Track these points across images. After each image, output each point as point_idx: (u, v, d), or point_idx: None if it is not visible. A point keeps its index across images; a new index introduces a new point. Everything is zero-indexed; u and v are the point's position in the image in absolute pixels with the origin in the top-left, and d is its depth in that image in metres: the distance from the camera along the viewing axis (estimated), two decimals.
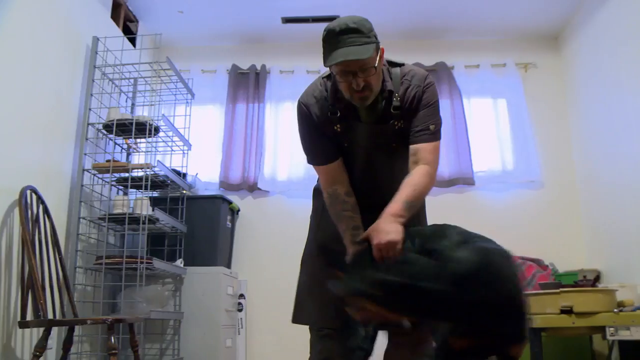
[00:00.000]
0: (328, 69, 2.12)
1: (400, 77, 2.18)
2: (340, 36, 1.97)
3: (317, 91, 2.24)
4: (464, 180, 4.87)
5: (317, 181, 2.42)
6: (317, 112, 2.21)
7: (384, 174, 2.24)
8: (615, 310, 3.20)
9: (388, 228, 1.87)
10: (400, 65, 2.24)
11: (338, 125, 2.19)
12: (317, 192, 2.43)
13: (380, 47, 2.07)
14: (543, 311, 3.32)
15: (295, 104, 2.30)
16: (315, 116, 2.21)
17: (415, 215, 2.13)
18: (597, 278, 3.90)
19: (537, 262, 4.42)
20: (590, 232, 4.73)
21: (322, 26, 2.11)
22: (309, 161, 2.29)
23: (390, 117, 2.16)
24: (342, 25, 1.98)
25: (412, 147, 2.17)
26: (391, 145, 2.19)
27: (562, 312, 3.21)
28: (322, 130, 2.21)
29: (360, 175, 2.25)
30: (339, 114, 2.17)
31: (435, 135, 2.17)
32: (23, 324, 2.76)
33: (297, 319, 2.32)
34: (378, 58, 2.04)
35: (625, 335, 3.14)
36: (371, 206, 2.18)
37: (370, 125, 2.18)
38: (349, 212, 2.16)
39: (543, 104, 5.13)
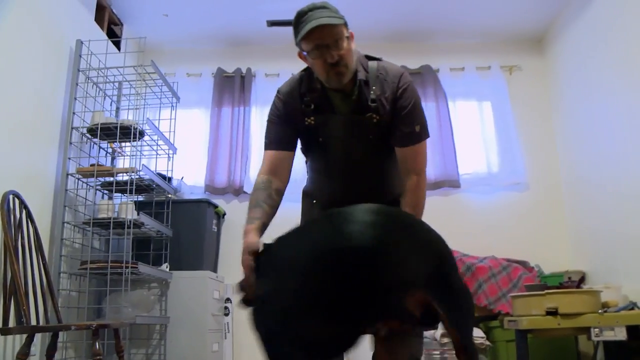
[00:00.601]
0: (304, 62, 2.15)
1: (377, 71, 2.18)
2: (308, 12, 2.02)
3: (294, 82, 2.25)
4: (449, 183, 4.89)
5: (306, 181, 2.42)
6: (291, 102, 2.21)
7: (363, 169, 2.21)
8: (600, 311, 3.22)
9: None
10: (378, 59, 2.23)
11: (312, 118, 2.18)
12: (305, 195, 2.43)
13: (350, 31, 2.09)
14: (529, 313, 3.33)
15: None
16: (289, 106, 2.21)
17: None
18: (582, 279, 3.92)
19: (523, 264, 4.45)
20: (575, 234, 4.76)
21: None
22: (265, 147, 2.26)
23: (367, 109, 2.14)
24: (310, 5, 2.05)
25: (400, 150, 2.16)
26: (368, 137, 2.17)
27: (548, 313, 3.23)
28: (295, 122, 2.20)
29: (338, 171, 2.23)
30: (312, 107, 2.17)
31: (421, 135, 2.17)
32: (5, 331, 2.72)
33: None
34: (349, 37, 2.07)
35: (609, 335, 3.16)
36: (346, 203, 2.18)
37: (346, 116, 2.17)
38: (267, 207, 2.10)
39: (528, 106, 5.16)
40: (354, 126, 2.16)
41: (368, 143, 2.18)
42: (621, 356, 3.66)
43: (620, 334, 3.13)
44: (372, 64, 2.20)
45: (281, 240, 1.75)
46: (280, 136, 2.21)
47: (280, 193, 2.18)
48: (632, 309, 3.33)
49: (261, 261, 1.83)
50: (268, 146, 2.23)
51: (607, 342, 3.74)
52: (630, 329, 3.14)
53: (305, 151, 2.35)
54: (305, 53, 2.09)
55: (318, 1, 2.06)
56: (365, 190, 2.18)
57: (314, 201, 2.36)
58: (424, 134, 2.18)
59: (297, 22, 2.05)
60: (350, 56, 2.08)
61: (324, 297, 1.51)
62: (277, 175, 2.18)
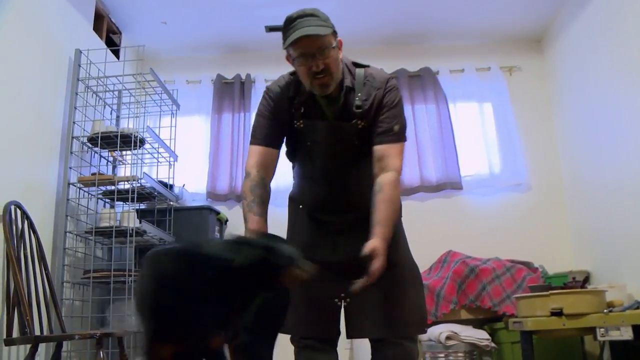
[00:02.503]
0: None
1: (363, 78, 2.19)
2: (297, 19, 2.02)
3: (282, 82, 2.26)
4: (451, 185, 4.88)
5: (292, 187, 2.41)
6: (280, 102, 2.21)
7: (347, 175, 2.21)
8: (605, 310, 3.21)
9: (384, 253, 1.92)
10: (365, 66, 2.24)
11: (301, 122, 2.19)
12: (291, 200, 2.42)
13: (339, 38, 2.10)
14: (533, 314, 3.32)
15: None
16: (278, 106, 2.22)
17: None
18: (586, 279, 3.91)
19: (527, 264, 4.44)
20: (578, 234, 4.75)
21: None
22: (251, 141, 2.26)
23: (353, 116, 2.15)
24: (300, 11, 2.04)
25: (376, 148, 2.15)
26: (353, 144, 2.18)
27: (553, 314, 3.22)
28: (283, 122, 2.22)
29: (322, 176, 2.23)
30: (302, 110, 2.18)
31: (399, 136, 2.17)
32: (9, 342, 2.72)
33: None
34: (336, 45, 2.08)
35: (615, 335, 3.14)
36: (333, 209, 2.20)
37: (331, 122, 2.18)
38: (267, 203, 2.21)
39: (528, 107, 5.16)
40: (339, 132, 2.17)
41: (353, 149, 2.19)
42: (628, 356, 3.65)
43: (627, 334, 3.12)
44: (359, 70, 2.22)
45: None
46: (270, 132, 2.23)
47: (269, 187, 2.25)
48: (638, 308, 3.32)
49: None
50: (257, 141, 2.23)
51: (613, 342, 3.73)
52: (637, 328, 3.13)
53: (291, 155, 2.36)
54: (291, 58, 2.10)
55: (308, 8, 2.06)
56: (349, 195, 2.21)
57: (300, 206, 2.35)
58: (402, 136, 2.18)
59: (286, 27, 2.06)
60: (335, 65, 2.09)
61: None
62: (267, 171, 2.22)
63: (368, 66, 2.25)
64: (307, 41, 2.00)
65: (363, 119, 2.15)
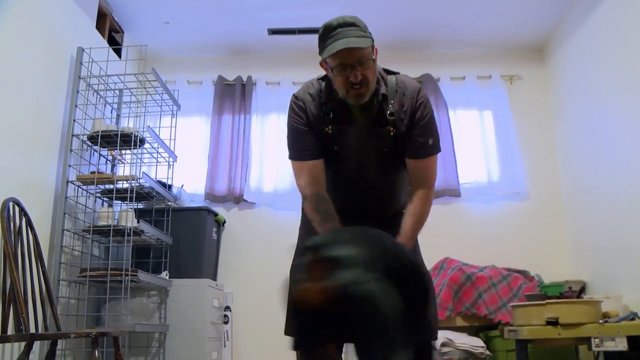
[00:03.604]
0: (323, 70, 2.16)
1: (396, 86, 2.20)
2: (338, 28, 2.00)
3: (312, 89, 2.25)
4: (449, 192, 4.88)
5: None
6: (311, 109, 2.21)
7: (374, 181, 2.24)
8: (601, 321, 3.22)
9: None
10: (396, 73, 2.27)
11: (330, 127, 2.19)
12: None
13: (375, 47, 2.10)
14: (529, 323, 3.32)
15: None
16: (310, 113, 2.20)
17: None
18: (583, 289, 3.92)
19: (523, 273, 4.44)
20: (576, 243, 4.75)
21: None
22: (293, 156, 2.25)
23: (385, 123, 2.17)
24: (340, 19, 2.02)
25: (412, 162, 2.21)
26: (383, 151, 2.20)
27: (548, 323, 3.22)
28: (313, 128, 2.21)
29: (348, 181, 2.25)
30: (331, 115, 2.18)
31: (433, 149, 2.22)
32: (4, 339, 2.70)
33: (288, 331, 2.30)
34: (375, 56, 2.08)
35: (610, 345, 3.15)
36: (356, 214, 2.19)
37: (363, 128, 2.18)
38: (334, 213, 2.14)
39: (528, 116, 5.17)
40: (370, 138, 2.18)
41: (381, 156, 2.21)
42: None
43: (621, 344, 3.12)
44: (390, 78, 2.23)
45: None
46: (315, 146, 2.21)
47: (329, 199, 2.20)
48: (633, 319, 3.33)
49: None
50: (302, 155, 2.22)
51: (608, 353, 3.72)
52: (631, 339, 3.14)
53: None
54: (328, 67, 2.09)
55: (348, 16, 2.04)
56: (373, 202, 2.24)
57: None
58: (436, 148, 2.24)
59: (325, 36, 2.03)
60: (373, 77, 2.10)
61: None
62: (320, 184, 2.20)
63: (398, 73, 2.27)
64: (347, 53, 1.98)
65: (395, 126, 2.17)
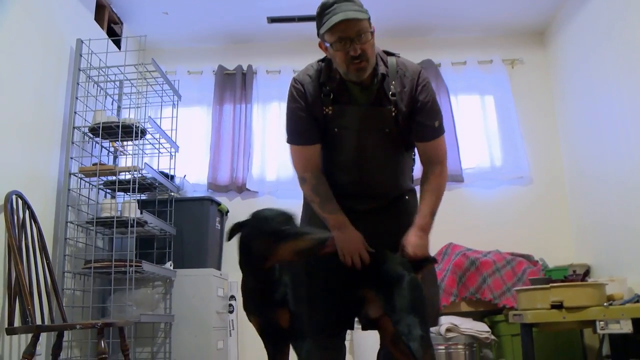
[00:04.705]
0: (323, 52, 2.19)
1: (396, 67, 2.21)
2: (334, 4, 2.03)
3: (311, 71, 2.25)
4: (452, 178, 4.87)
5: None
6: (310, 90, 2.21)
7: (375, 162, 2.23)
8: (605, 304, 3.21)
9: (422, 242, 2.10)
10: (396, 55, 2.27)
11: (330, 108, 2.19)
12: None
13: (373, 26, 2.11)
14: (534, 307, 3.32)
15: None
16: (309, 95, 2.21)
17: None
18: (587, 272, 3.90)
19: (528, 257, 4.44)
20: (579, 227, 4.75)
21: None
22: (291, 140, 2.27)
23: (387, 102, 2.17)
24: None
25: (421, 145, 2.24)
26: (384, 131, 2.19)
27: (553, 307, 3.22)
28: (312, 111, 2.21)
29: (349, 163, 2.24)
30: (331, 96, 2.18)
31: (440, 130, 2.24)
32: (10, 331, 2.72)
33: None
34: (372, 32, 2.09)
35: (615, 328, 3.15)
36: (358, 196, 2.22)
37: (364, 107, 2.18)
38: (332, 195, 2.20)
39: (530, 100, 5.15)
40: (371, 117, 2.18)
41: (382, 136, 2.20)
42: (627, 349, 3.66)
43: (626, 327, 3.12)
44: (391, 59, 2.24)
45: None
46: (312, 131, 2.23)
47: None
48: (638, 301, 3.32)
49: None
50: (299, 139, 2.25)
51: (613, 335, 3.73)
52: (636, 322, 3.14)
53: None
54: (327, 44, 2.10)
55: None
56: (374, 183, 2.24)
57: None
58: (442, 129, 2.25)
59: (322, 13, 2.06)
60: (372, 51, 2.10)
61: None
62: (317, 167, 2.24)
63: (398, 55, 2.27)
64: (346, 25, 2.00)
65: (397, 106, 2.17)
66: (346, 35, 2.01)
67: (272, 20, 4.98)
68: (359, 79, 2.12)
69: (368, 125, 2.18)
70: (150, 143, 4.24)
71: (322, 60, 2.25)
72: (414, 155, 2.38)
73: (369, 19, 2.09)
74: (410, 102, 2.18)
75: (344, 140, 2.21)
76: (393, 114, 2.17)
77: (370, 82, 2.17)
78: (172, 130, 4.39)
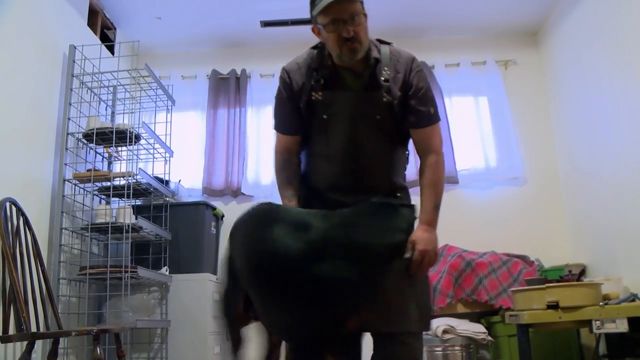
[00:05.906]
0: (316, 37, 2.20)
1: (389, 54, 2.21)
2: None
3: (301, 59, 2.26)
4: (447, 179, 4.86)
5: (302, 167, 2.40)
6: (297, 78, 2.21)
7: (366, 151, 2.17)
8: (601, 303, 3.22)
9: (432, 237, 2.11)
10: (389, 44, 2.28)
11: (320, 94, 2.17)
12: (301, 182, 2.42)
13: (365, 11, 2.12)
14: (530, 307, 3.33)
15: None
16: (295, 83, 2.21)
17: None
18: (582, 272, 3.92)
19: (523, 258, 4.45)
20: (575, 227, 4.76)
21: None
22: (274, 126, 2.32)
23: (379, 88, 2.15)
24: None
25: (416, 132, 2.21)
26: (375, 118, 2.15)
27: (549, 307, 3.22)
28: (300, 98, 2.20)
29: (337, 152, 2.17)
30: (322, 82, 2.17)
31: (435, 117, 2.22)
32: (5, 339, 2.71)
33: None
34: (365, 15, 2.10)
35: (611, 327, 3.15)
36: (348, 189, 2.16)
37: (356, 92, 2.17)
38: (296, 183, 2.23)
39: (524, 101, 5.16)
40: (363, 103, 2.16)
41: (374, 124, 2.16)
42: (623, 348, 3.66)
43: (622, 326, 3.12)
44: (384, 47, 2.24)
45: None
46: (291, 122, 2.25)
47: (300, 168, 2.29)
48: (633, 300, 3.33)
49: None
50: (278, 128, 2.30)
51: (609, 335, 3.74)
52: (632, 321, 3.14)
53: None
54: (320, 26, 2.10)
55: None
56: (366, 174, 2.18)
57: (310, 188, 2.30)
58: (437, 117, 2.23)
59: None
60: (364, 33, 2.10)
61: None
62: (290, 153, 2.27)
63: (391, 44, 2.28)
64: (339, 6, 2.01)
65: (389, 93, 2.15)
66: (339, 16, 2.02)
67: (266, 24, 4.98)
68: (351, 60, 2.10)
69: (358, 111, 2.15)
70: (144, 148, 4.24)
71: (315, 47, 2.25)
72: (408, 153, 2.33)
73: (362, 2, 2.09)
74: (404, 87, 2.16)
75: (334, 127, 2.16)
76: (384, 99, 2.14)
77: (363, 68, 2.16)
78: (166, 135, 4.39)
